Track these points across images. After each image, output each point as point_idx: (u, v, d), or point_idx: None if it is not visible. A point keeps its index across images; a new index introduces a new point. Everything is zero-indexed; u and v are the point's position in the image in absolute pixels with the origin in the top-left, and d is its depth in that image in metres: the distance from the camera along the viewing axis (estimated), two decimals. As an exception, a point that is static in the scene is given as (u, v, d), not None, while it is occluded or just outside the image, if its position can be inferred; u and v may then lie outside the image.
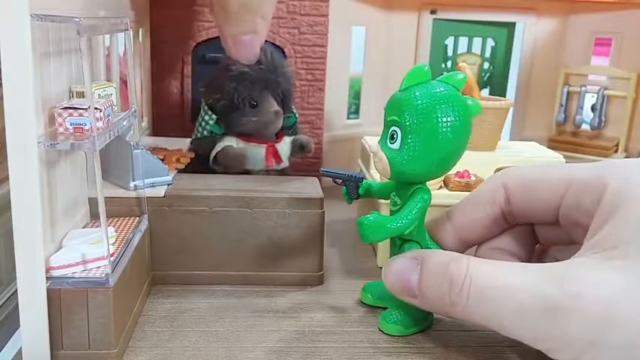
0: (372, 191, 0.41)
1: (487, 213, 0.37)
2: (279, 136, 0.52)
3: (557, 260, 0.37)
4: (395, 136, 0.35)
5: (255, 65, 0.49)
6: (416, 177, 0.36)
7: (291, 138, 0.53)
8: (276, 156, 0.51)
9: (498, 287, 0.31)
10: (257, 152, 0.51)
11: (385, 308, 0.39)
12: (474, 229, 0.38)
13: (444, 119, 0.34)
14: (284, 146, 0.52)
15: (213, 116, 0.51)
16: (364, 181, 0.41)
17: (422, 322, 0.38)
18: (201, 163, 0.51)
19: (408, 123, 0.34)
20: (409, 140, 0.34)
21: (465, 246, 0.39)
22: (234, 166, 0.50)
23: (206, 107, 0.51)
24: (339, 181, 0.41)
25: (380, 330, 0.38)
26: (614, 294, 0.28)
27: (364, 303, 0.42)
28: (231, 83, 0.49)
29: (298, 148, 0.52)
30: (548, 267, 0.31)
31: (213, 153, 0.50)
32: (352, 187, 0.41)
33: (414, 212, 0.36)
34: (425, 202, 0.36)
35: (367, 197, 0.42)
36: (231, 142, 0.51)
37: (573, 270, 0.30)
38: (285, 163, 0.52)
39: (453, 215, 0.39)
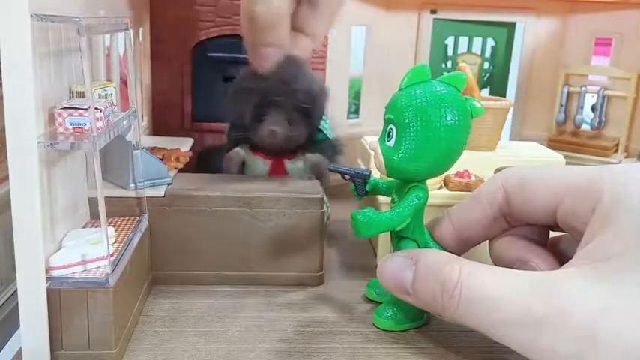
0: (379, 188, 0.41)
1: (486, 213, 0.37)
2: (294, 152, 0.50)
3: (565, 251, 0.37)
4: (391, 133, 0.35)
5: (263, 80, 0.47)
6: (410, 175, 0.36)
7: (311, 160, 0.49)
8: (282, 172, 0.50)
9: (488, 298, 0.31)
10: (260, 163, 0.50)
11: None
12: (473, 229, 0.38)
13: (441, 119, 0.34)
14: (298, 164, 0.50)
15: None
16: (372, 178, 0.41)
17: (416, 318, 0.38)
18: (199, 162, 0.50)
19: (404, 121, 0.34)
20: (403, 138, 0.35)
21: (466, 245, 0.39)
22: (227, 169, 0.49)
23: None
24: (348, 177, 0.41)
25: (374, 325, 0.39)
26: (599, 311, 0.28)
27: (369, 299, 0.42)
28: (237, 97, 0.48)
29: (311, 172, 0.49)
30: (539, 277, 0.31)
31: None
32: (360, 184, 0.41)
33: (407, 209, 0.36)
34: (420, 199, 0.36)
35: (375, 194, 0.42)
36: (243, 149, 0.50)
37: (561, 283, 0.30)
38: None
39: (453, 215, 0.39)
